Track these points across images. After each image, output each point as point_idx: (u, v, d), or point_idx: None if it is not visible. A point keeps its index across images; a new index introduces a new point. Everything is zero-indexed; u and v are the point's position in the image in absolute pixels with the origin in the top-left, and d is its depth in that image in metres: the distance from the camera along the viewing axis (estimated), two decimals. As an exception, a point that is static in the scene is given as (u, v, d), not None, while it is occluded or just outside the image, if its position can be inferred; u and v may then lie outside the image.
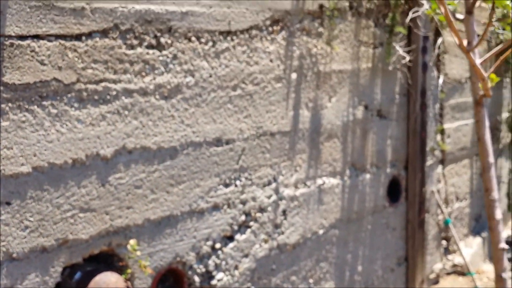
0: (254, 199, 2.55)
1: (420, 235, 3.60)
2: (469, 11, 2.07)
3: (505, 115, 4.88)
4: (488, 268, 4.32)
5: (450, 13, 2.17)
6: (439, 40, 3.64)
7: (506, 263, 2.12)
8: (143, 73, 2.03)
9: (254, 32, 2.50)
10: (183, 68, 2.18)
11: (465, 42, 1.98)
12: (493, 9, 1.72)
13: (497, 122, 4.81)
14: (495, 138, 4.81)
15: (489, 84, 1.89)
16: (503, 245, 2.10)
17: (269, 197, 2.62)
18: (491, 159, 2.10)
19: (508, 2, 1.67)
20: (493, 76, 1.88)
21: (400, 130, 3.48)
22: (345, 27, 3.00)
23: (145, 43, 2.03)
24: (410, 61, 3.42)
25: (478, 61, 2.05)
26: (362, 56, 3.14)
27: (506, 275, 2.11)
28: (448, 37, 3.85)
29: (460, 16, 2.14)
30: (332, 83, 2.95)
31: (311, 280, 2.89)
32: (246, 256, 2.52)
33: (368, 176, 3.25)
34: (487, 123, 2.10)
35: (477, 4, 2.17)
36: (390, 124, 3.40)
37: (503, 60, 1.85)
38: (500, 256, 2.10)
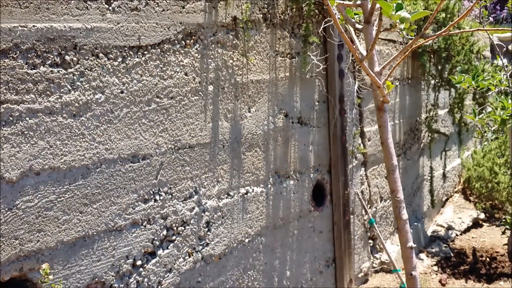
0: (175, 212, 2.54)
1: (346, 236, 3.71)
2: (367, 21, 2.17)
3: (424, 115, 5.12)
4: (414, 263, 4.50)
5: (351, 23, 2.28)
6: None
7: (414, 261, 2.23)
8: (48, 92, 1.98)
9: (166, 46, 2.50)
10: (92, 85, 2.15)
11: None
12: (380, 19, 1.82)
13: (417, 123, 5.04)
14: (416, 138, 5.05)
15: (385, 91, 1.99)
16: (410, 244, 2.20)
17: (191, 209, 2.63)
18: (395, 161, 2.21)
19: (392, 13, 1.76)
20: (389, 83, 1.98)
21: (321, 135, 3.58)
22: (260, 38, 3.07)
23: (49, 62, 1.99)
24: (327, 69, 3.54)
25: (376, 68, 2.15)
26: (279, 65, 3.22)
27: (416, 273, 2.21)
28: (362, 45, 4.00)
29: (359, 26, 2.24)
30: (250, 93, 3.00)
31: (239, 289, 2.91)
32: (169, 271, 2.51)
33: (292, 182, 3.32)
34: (389, 128, 2.20)
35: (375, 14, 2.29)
36: (311, 131, 3.50)
37: (396, 67, 1.95)
38: (409, 255, 2.20)
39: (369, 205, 4.17)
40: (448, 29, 2.06)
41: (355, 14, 2.73)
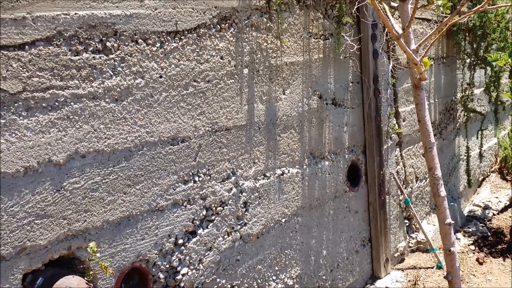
0: (214, 193, 2.61)
1: (382, 216, 3.72)
2: (403, -1, 2.17)
3: (459, 95, 5.04)
4: (451, 243, 4.48)
5: (386, 1, 2.27)
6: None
7: (453, 238, 2.24)
8: (91, 78, 2.06)
9: (202, 30, 2.55)
10: (132, 70, 2.22)
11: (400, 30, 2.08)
12: (417, -3, 1.81)
13: (452, 102, 4.97)
14: (452, 118, 4.98)
15: (423, 68, 1.99)
16: (449, 220, 2.22)
17: (229, 190, 2.69)
18: (432, 139, 2.21)
19: (430, -10, 1.76)
20: (426, 60, 1.98)
21: (355, 116, 3.59)
22: (294, 20, 3.08)
23: (91, 48, 2.06)
24: (360, 49, 3.53)
25: (413, 46, 2.15)
26: (313, 47, 3.23)
27: (454, 249, 2.23)
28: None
29: (394, 4, 2.23)
30: (284, 75, 3.02)
31: (276, 268, 2.97)
32: (209, 249, 2.58)
33: (327, 163, 3.34)
34: (426, 105, 2.20)
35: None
36: (346, 112, 3.50)
37: (433, 43, 1.95)
38: (447, 231, 2.21)
39: (404, 185, 4.16)
40: (484, 5, 2.03)
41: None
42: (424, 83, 4.19)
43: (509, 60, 4.13)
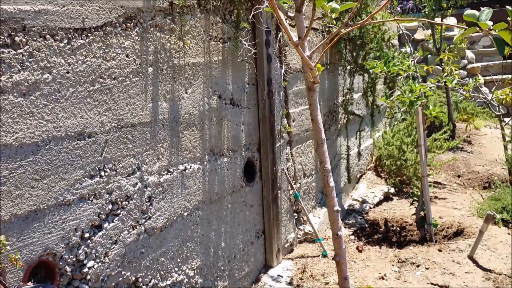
0: (119, 188, 2.68)
1: (274, 209, 4.00)
2: (298, 10, 2.43)
3: (341, 99, 5.53)
4: (334, 234, 4.92)
5: (283, 11, 2.52)
6: (280, 34, 4.05)
7: (340, 223, 2.54)
8: (0, 72, 2.05)
9: (108, 28, 2.61)
10: (40, 66, 2.23)
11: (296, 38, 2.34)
12: (314, 9, 2.07)
13: (335, 105, 5.44)
14: (334, 120, 5.44)
15: (317, 73, 2.26)
16: (336, 207, 2.51)
17: (134, 185, 2.77)
18: (323, 136, 2.49)
19: (325, 3, 2.02)
20: (319, 65, 2.25)
21: (251, 116, 3.83)
22: (195, 23, 3.23)
23: (0, 42, 2.05)
24: (256, 53, 3.78)
25: (307, 53, 2.41)
26: (213, 50, 3.41)
27: (341, 233, 2.53)
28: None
29: (291, 14, 2.48)
30: (187, 75, 3.17)
31: (179, 260, 3.10)
32: (115, 243, 2.65)
33: (225, 159, 3.54)
34: (318, 106, 2.48)
35: (306, 3, 2.54)
36: (243, 111, 3.73)
37: (326, 51, 2.22)
38: (335, 218, 2.51)
39: (294, 181, 4.49)
40: (369, 19, 2.35)
41: (283, 2, 2.99)
42: (303, 87, 4.56)
43: (385, 68, 4.66)
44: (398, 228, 5.28)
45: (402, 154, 6.10)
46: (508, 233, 4.89)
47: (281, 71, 3.96)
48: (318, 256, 4.29)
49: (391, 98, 4.44)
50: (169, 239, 3.03)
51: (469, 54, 12.70)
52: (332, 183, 2.50)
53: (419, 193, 4.91)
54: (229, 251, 3.58)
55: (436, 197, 6.07)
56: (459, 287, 3.83)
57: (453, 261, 4.17)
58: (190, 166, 3.21)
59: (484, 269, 4.07)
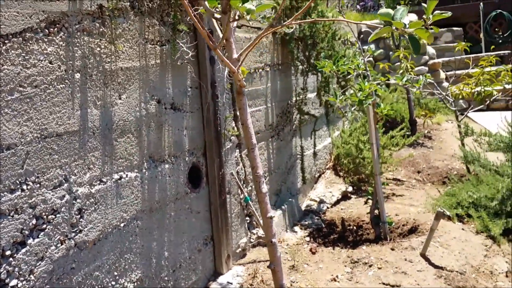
0: (45, 201, 2.54)
1: (222, 214, 3.91)
2: (224, 11, 2.34)
3: (295, 99, 5.47)
4: (289, 236, 4.85)
5: (210, 12, 2.43)
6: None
7: (274, 230, 2.47)
8: None
9: (28, 34, 2.48)
10: None
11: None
12: (229, 10, 1.98)
13: (289, 106, 5.37)
14: (288, 120, 5.38)
15: (241, 76, 2.18)
16: (270, 214, 2.44)
17: (61, 197, 2.64)
18: (254, 140, 2.42)
19: (239, 4, 1.94)
20: (243, 69, 2.17)
21: (195, 120, 3.73)
22: (129, 26, 3.11)
23: None
24: (198, 55, 3.68)
25: (235, 55, 2.33)
26: (150, 53, 3.29)
27: (275, 240, 2.46)
28: (236, 33, 4.20)
29: (218, 15, 2.39)
30: (120, 80, 3.05)
31: (116, 273, 2.98)
32: (41, 259, 2.51)
33: (167, 166, 3.43)
34: (248, 110, 2.41)
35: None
36: (185, 116, 3.62)
37: (250, 51, 2.14)
38: (269, 224, 2.44)
39: (245, 184, 4.41)
40: (312, 19, 2.27)
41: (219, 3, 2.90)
42: (252, 89, 4.47)
43: (334, 67, 4.62)
44: (354, 227, 5.25)
45: (359, 153, 6.08)
46: (463, 229, 4.91)
47: (225, 73, 3.87)
48: (271, 260, 4.21)
49: (341, 98, 4.39)
50: (104, 252, 2.91)
51: (430, 50, 12.84)
52: (264, 189, 2.43)
53: (373, 192, 4.88)
54: (174, 260, 3.47)
55: (393, 194, 6.07)
56: (410, 286, 3.81)
57: (406, 260, 4.15)
58: (126, 175, 3.09)
59: (436, 267, 4.06)
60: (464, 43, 6.53)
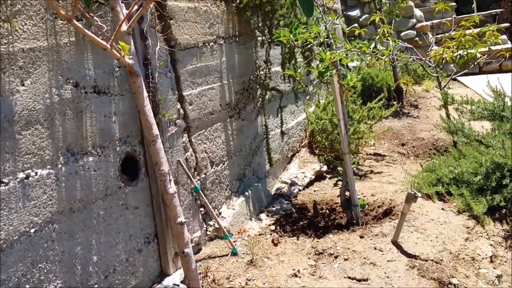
0: None
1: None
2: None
3: (257, 73, 4.99)
4: (252, 226, 4.45)
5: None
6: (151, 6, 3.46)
7: (187, 238, 2.06)
8: None
9: None
10: None
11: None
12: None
13: (250, 81, 4.91)
14: (251, 98, 4.93)
15: (118, 54, 1.74)
16: (180, 219, 2.03)
17: None
18: (155, 131, 1.99)
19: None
20: (123, 44, 1.73)
21: (127, 104, 3.28)
22: (30, 1, 2.65)
23: None
24: (125, 30, 3.20)
25: (124, 27, 1.88)
26: (61, 30, 2.83)
27: (189, 250, 2.05)
28: (174, 2, 3.73)
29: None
30: (21, 64, 2.60)
31: (28, 286, 2.59)
32: None
33: (91, 158, 3.00)
34: (145, 94, 1.97)
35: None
36: (113, 100, 3.18)
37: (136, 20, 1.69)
38: (180, 231, 2.04)
39: (197, 172, 3.99)
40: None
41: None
42: (201, 65, 4.00)
43: (291, 36, 4.14)
44: (327, 211, 4.85)
45: (334, 128, 5.64)
46: (443, 208, 4.50)
47: (155, 49, 3.39)
48: (228, 255, 3.83)
49: (299, 70, 3.93)
50: (9, 264, 2.51)
51: (418, 12, 12.28)
52: (171, 190, 2.02)
53: (343, 172, 4.47)
54: (106, 264, 3.08)
55: (372, 172, 5.65)
56: (379, 279, 3.42)
57: (375, 249, 3.75)
58: (36, 173, 2.67)
59: (409, 255, 3.66)
60: (444, 3, 6.02)
